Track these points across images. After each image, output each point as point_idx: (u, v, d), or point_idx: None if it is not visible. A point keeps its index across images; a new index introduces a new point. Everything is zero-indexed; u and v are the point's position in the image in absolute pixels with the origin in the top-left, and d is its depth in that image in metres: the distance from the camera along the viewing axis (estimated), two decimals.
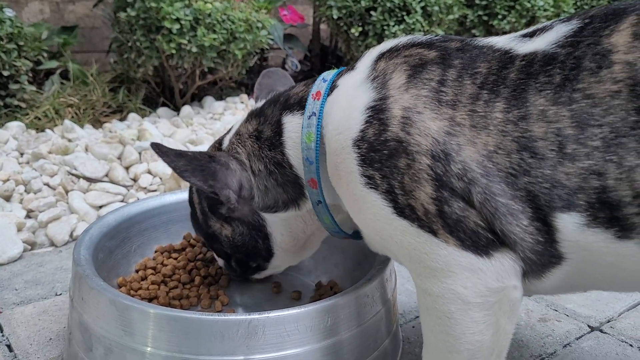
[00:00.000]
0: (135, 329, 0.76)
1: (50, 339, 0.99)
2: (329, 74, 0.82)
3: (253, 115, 0.88)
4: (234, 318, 0.74)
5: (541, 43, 0.65)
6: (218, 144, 0.93)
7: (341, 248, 1.10)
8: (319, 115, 0.77)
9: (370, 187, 0.69)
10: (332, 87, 0.78)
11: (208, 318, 0.74)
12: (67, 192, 1.54)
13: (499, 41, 0.70)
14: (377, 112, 0.69)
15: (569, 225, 0.60)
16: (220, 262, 1.05)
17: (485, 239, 0.63)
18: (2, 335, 1.01)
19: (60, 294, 1.15)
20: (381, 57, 0.75)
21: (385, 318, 0.89)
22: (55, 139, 1.84)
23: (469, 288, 0.64)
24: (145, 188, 1.64)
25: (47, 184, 1.56)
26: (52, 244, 1.38)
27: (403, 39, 0.76)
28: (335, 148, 0.73)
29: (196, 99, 2.51)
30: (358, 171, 0.70)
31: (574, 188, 0.59)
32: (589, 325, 1.09)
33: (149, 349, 0.75)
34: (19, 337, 1.00)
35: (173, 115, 2.27)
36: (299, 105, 0.82)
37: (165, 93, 2.44)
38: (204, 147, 1.89)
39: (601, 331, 1.08)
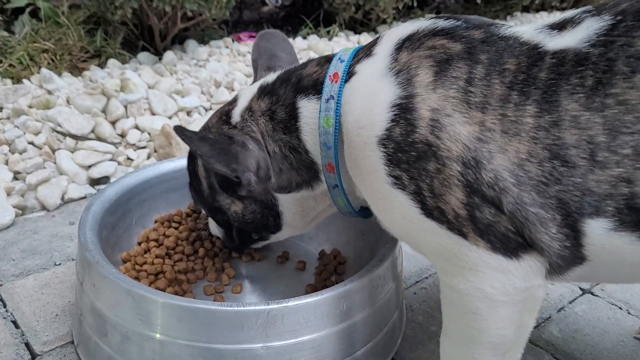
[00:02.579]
0: (153, 318, 0.76)
1: (57, 314, 0.99)
2: (345, 54, 0.78)
3: (264, 91, 0.85)
4: (254, 309, 0.74)
5: (572, 39, 0.63)
6: (226, 116, 0.88)
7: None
8: (338, 100, 0.74)
9: (398, 187, 0.68)
10: (349, 73, 0.76)
11: (228, 309, 0.74)
12: (53, 151, 1.49)
13: (525, 32, 0.67)
14: (404, 111, 0.67)
15: (596, 230, 0.60)
16: (217, 232, 1.04)
17: (515, 242, 0.63)
18: (7, 311, 1.00)
19: (59, 264, 1.14)
20: (402, 45, 0.72)
21: (395, 294, 0.91)
22: (34, 90, 1.76)
23: (496, 288, 0.65)
24: (134, 145, 1.60)
25: (31, 143, 1.51)
26: (44, 207, 1.35)
27: (423, 24, 0.73)
28: (357, 142, 0.72)
29: (177, 41, 2.42)
30: (384, 170, 0.68)
31: (603, 195, 0.59)
32: (580, 288, 1.14)
33: (168, 338, 0.76)
34: (23, 313, 0.99)
35: (155, 61, 2.19)
36: (314, 88, 0.79)
37: (145, 35, 2.34)
38: (191, 99, 1.84)
39: (592, 294, 1.12)
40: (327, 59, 0.81)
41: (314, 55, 2.42)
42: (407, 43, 0.72)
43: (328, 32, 2.82)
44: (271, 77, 0.87)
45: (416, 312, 1.04)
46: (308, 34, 2.78)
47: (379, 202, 0.73)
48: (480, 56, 0.66)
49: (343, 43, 2.69)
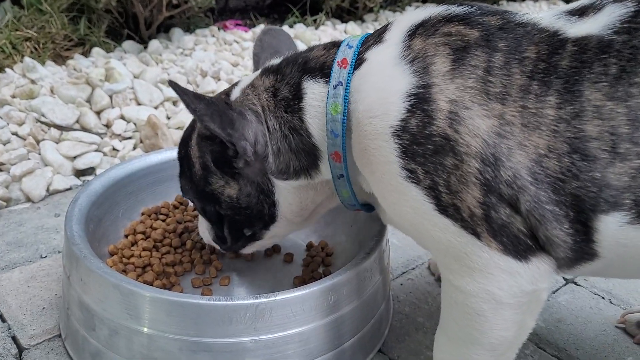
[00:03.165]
0: (141, 313, 0.76)
1: (44, 307, 0.99)
2: (353, 40, 0.76)
3: (269, 71, 0.82)
4: (243, 303, 0.75)
5: (594, 26, 0.61)
6: (225, 95, 0.84)
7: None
8: (347, 86, 0.71)
9: (412, 181, 0.65)
10: (358, 59, 0.72)
11: (217, 304, 0.74)
12: (38, 142, 1.48)
13: (543, 19, 0.65)
14: (421, 102, 0.64)
15: (610, 225, 0.59)
16: (205, 235, 0.97)
17: (525, 245, 0.62)
18: None
19: (45, 257, 1.14)
20: (414, 32, 0.69)
21: (382, 286, 0.91)
22: (17, 79, 1.74)
23: (504, 290, 0.64)
24: (119, 135, 1.58)
25: (15, 134, 1.49)
26: (29, 199, 1.33)
27: (435, 10, 0.70)
28: (368, 132, 0.68)
29: (162, 30, 2.39)
30: (398, 163, 0.66)
31: (622, 188, 0.58)
32: (564, 278, 1.15)
33: (156, 332, 0.76)
34: (10, 306, 0.99)
35: (140, 50, 2.16)
36: (321, 71, 0.76)
37: (129, 24, 2.31)
38: None
39: (575, 284, 1.14)
40: (334, 44, 0.78)
41: (300, 44, 2.41)
42: (421, 29, 0.69)
43: (314, 20, 2.81)
44: (276, 60, 0.84)
45: (403, 303, 1.05)
46: (294, 23, 2.77)
47: (389, 195, 0.70)
48: (498, 43, 0.64)
49: (329, 32, 2.68)
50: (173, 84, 0.71)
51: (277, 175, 0.81)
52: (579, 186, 0.59)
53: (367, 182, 0.76)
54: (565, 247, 0.62)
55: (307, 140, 0.77)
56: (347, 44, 0.75)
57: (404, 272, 1.14)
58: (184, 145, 0.89)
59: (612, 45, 0.59)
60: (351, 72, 0.72)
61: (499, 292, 0.64)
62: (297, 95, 0.77)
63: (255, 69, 0.95)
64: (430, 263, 1.15)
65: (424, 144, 0.64)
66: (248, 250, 0.96)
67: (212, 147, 0.83)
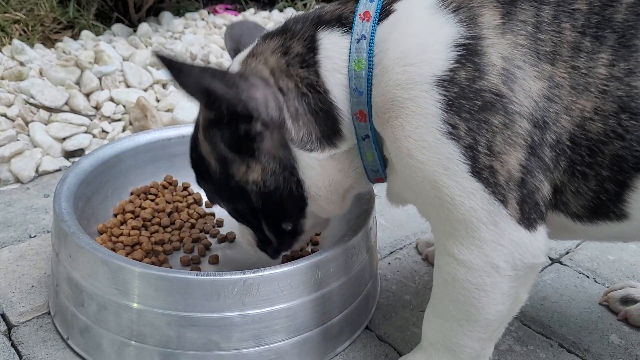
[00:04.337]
0: (129, 288, 0.77)
1: (33, 286, 0.99)
2: None
3: (272, 34, 0.75)
4: (230, 278, 0.75)
5: None
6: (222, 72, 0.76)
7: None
8: (371, 40, 0.66)
9: (451, 138, 0.60)
10: (385, 11, 0.67)
11: (205, 278, 0.75)
12: (27, 123, 1.47)
13: None
14: (472, 54, 0.59)
15: None
16: (251, 244, 0.90)
17: (539, 213, 0.61)
18: None
19: (35, 236, 1.14)
20: None
21: (369, 264, 0.92)
22: (6, 61, 1.73)
23: (509, 262, 0.62)
24: (109, 117, 1.58)
25: (4, 115, 1.48)
26: (18, 180, 1.33)
27: None
28: (401, 80, 0.62)
29: (152, 13, 2.38)
30: (440, 116, 0.60)
31: None
32: (550, 258, 1.17)
33: (145, 307, 0.76)
34: None
35: (129, 33, 2.15)
36: (338, 22, 0.69)
37: (119, 7, 2.29)
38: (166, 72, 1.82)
39: (561, 263, 1.15)
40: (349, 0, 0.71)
41: None
42: None
43: (305, 5, 2.80)
44: (277, 25, 0.77)
45: (390, 282, 1.06)
46: (284, 7, 2.75)
47: (418, 153, 0.63)
48: None
49: None
50: (158, 55, 0.61)
51: (300, 145, 0.72)
52: (624, 146, 0.57)
53: (386, 143, 0.70)
54: (589, 199, 0.61)
55: (324, 98, 0.70)
56: None
57: (392, 252, 1.15)
58: (193, 150, 0.82)
59: None
60: (375, 24, 0.66)
61: (504, 265, 0.62)
62: (312, 48, 0.70)
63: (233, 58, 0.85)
64: (418, 242, 1.16)
65: (472, 99, 0.59)
66: (295, 247, 0.90)
67: (221, 131, 0.74)
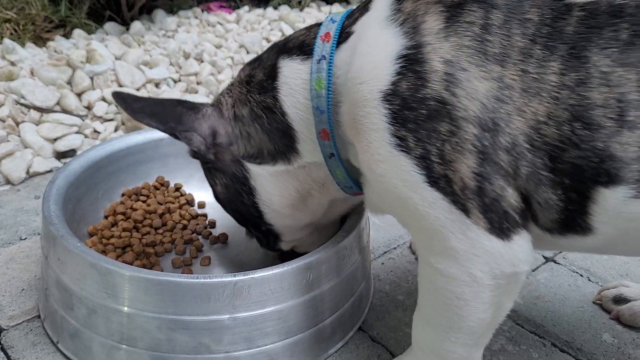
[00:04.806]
0: (119, 292, 0.76)
1: (23, 289, 0.98)
2: (337, 15, 0.73)
3: (249, 63, 0.82)
4: (220, 280, 0.75)
5: None
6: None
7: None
8: (330, 60, 0.68)
9: (401, 150, 0.61)
10: (345, 33, 0.69)
11: (195, 281, 0.74)
12: (17, 124, 1.46)
13: None
14: (412, 63, 0.60)
15: (611, 199, 0.57)
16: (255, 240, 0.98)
17: (512, 221, 0.60)
18: None
19: (25, 239, 1.13)
20: None
21: (362, 265, 0.92)
22: None
23: (486, 272, 0.62)
24: (101, 117, 1.57)
25: None
26: (8, 181, 1.32)
27: None
28: (356, 99, 0.64)
29: (145, 11, 2.36)
30: (387, 130, 0.61)
31: (628, 159, 0.55)
32: (544, 256, 1.17)
33: (135, 310, 0.76)
34: None
35: (122, 31, 2.14)
36: (299, 49, 0.74)
37: (111, 5, 2.28)
38: (159, 70, 1.81)
39: (555, 262, 1.15)
40: (317, 24, 0.75)
41: (285, 26, 2.39)
42: None
43: (299, 2, 2.79)
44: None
45: (383, 282, 1.05)
46: (279, 5, 2.74)
47: (376, 166, 0.65)
48: (497, 0, 0.60)
49: (315, 14, 2.66)
50: (115, 95, 0.75)
51: (249, 160, 0.79)
52: (580, 156, 0.57)
53: (355, 157, 0.72)
54: (557, 210, 0.60)
55: (281, 119, 0.75)
56: (331, 19, 0.73)
57: (385, 252, 1.15)
58: (211, 180, 0.89)
59: (624, 9, 0.56)
60: (334, 45, 0.69)
61: (481, 275, 0.62)
62: (272, 75, 0.75)
63: None
64: (412, 242, 1.15)
65: (416, 109, 0.59)
66: (284, 247, 0.94)
67: (190, 152, 0.85)
